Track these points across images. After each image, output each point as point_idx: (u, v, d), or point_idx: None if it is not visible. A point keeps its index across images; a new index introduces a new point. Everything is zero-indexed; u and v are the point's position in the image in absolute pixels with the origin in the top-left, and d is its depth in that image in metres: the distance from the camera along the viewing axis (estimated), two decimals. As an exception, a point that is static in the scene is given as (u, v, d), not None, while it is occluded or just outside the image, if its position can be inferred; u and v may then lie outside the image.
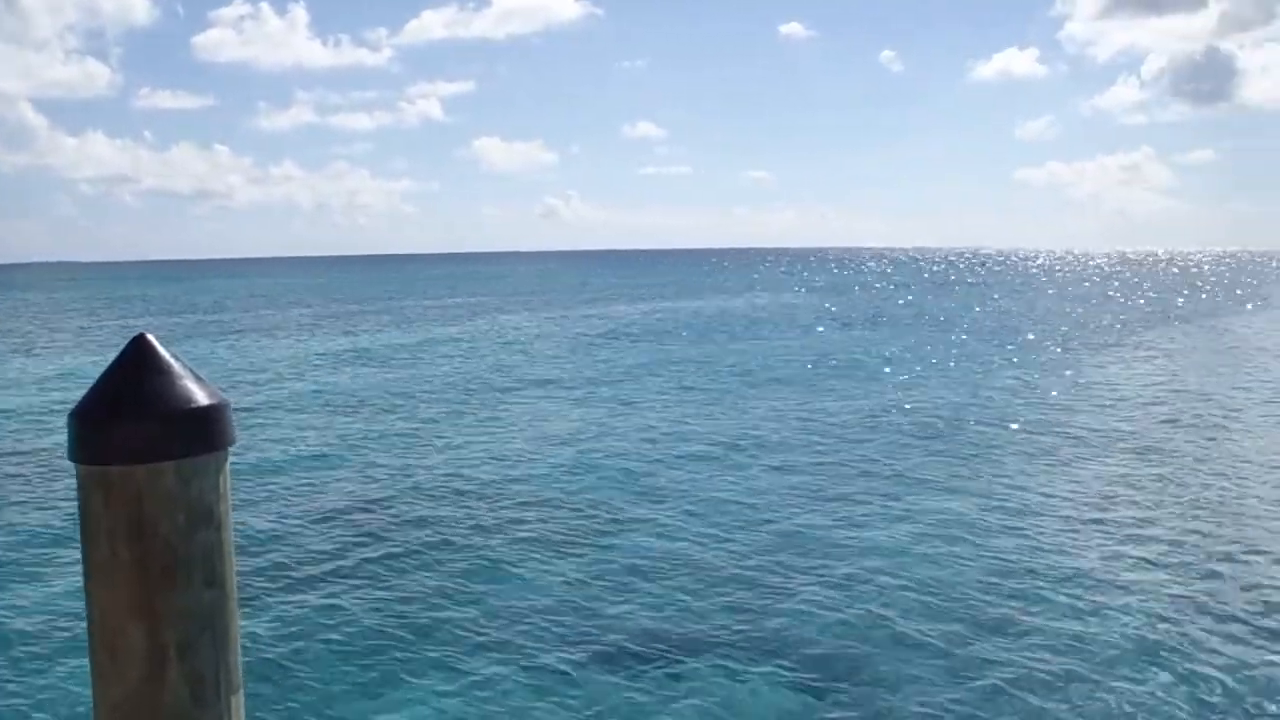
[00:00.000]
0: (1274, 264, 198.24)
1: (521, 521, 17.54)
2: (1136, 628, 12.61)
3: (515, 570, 14.97)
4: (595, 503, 18.73)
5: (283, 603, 13.70)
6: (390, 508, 18.62)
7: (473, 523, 17.53)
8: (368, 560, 15.48)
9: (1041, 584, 14.01)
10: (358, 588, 14.29)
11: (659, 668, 11.60)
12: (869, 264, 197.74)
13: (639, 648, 12.12)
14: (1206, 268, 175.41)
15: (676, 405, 29.44)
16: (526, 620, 12.99)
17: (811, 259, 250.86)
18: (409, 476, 20.89)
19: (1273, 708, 10.46)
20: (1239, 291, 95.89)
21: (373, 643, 12.39)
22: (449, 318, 67.25)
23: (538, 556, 15.61)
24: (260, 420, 27.49)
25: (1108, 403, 29.52)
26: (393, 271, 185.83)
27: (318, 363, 41.60)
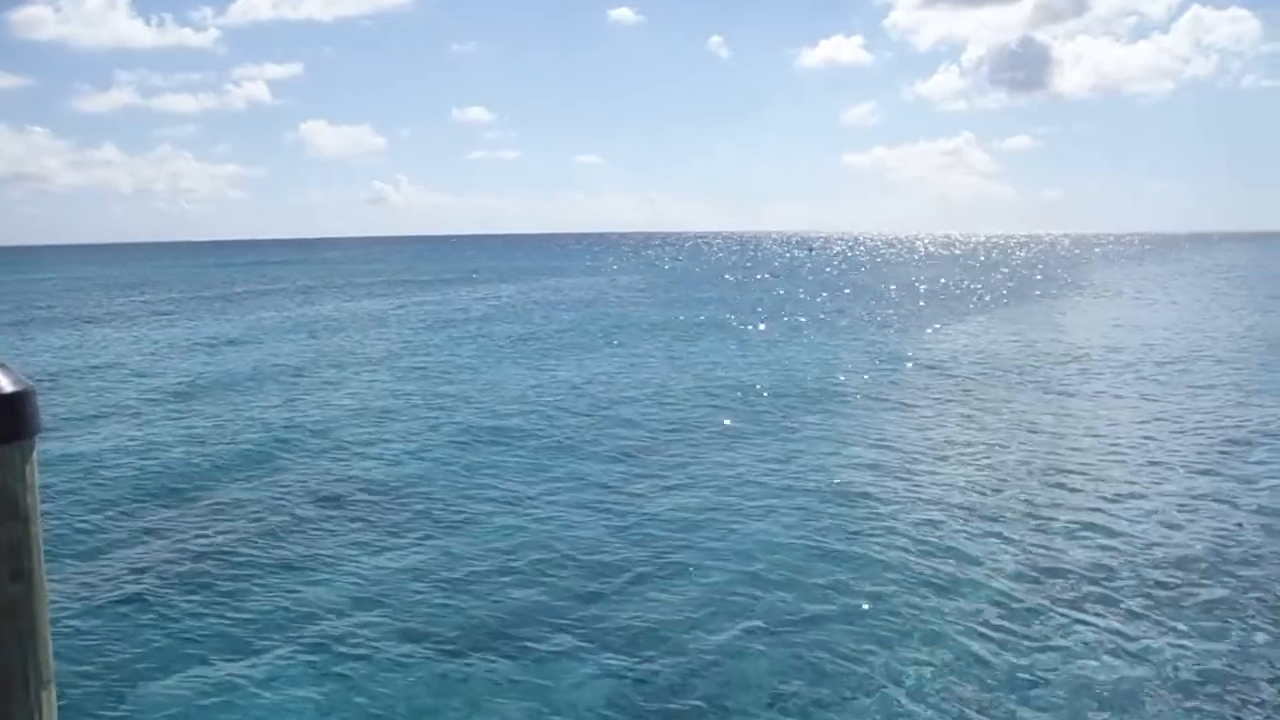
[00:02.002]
0: (1094, 248, 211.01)
1: (347, 512, 17.19)
2: (960, 590, 13.28)
3: (340, 562, 14.66)
4: (422, 491, 18.49)
5: (98, 595, 13.19)
6: (211, 498, 18.03)
7: (298, 513, 17.07)
8: (189, 553, 14.95)
9: (868, 553, 14.57)
10: (178, 579, 13.83)
11: (486, 656, 11.52)
12: (700, 247, 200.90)
13: (466, 637, 12.04)
14: (1023, 250, 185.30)
15: (502, 390, 29.34)
16: (351, 613, 12.75)
17: (643, 243, 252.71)
18: (231, 467, 20.20)
19: (1097, 669, 11.22)
20: (1048, 274, 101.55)
21: (197, 636, 12.03)
22: (276, 305, 64.95)
23: (364, 548, 15.33)
24: (73, 409, 26.26)
25: (925, 376, 30.96)
26: (219, 258, 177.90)
27: (133, 352, 39.64)
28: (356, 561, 14.70)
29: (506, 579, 13.90)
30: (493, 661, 11.42)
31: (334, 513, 17.16)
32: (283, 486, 18.80)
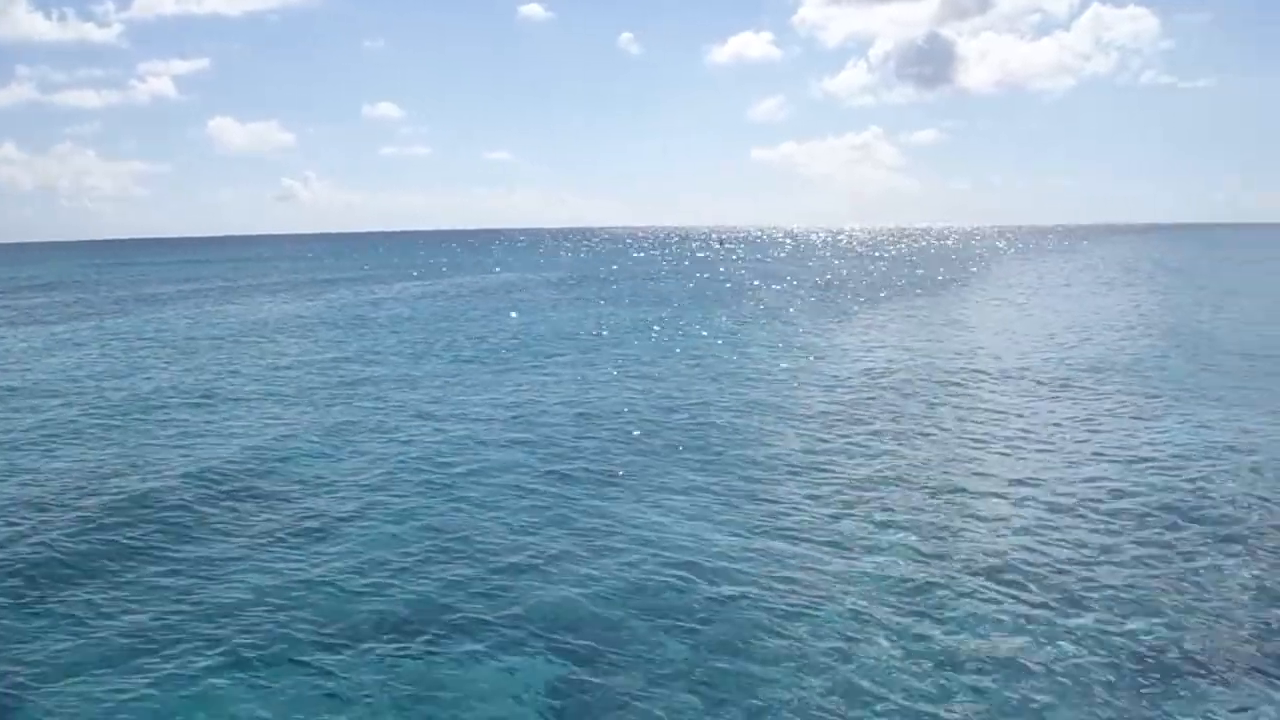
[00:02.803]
0: (1000, 240, 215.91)
1: (245, 514, 16.74)
2: (862, 580, 13.24)
3: (240, 563, 14.36)
4: (324, 492, 18.03)
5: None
6: (109, 499, 17.43)
7: (197, 514, 16.65)
8: (83, 553, 14.64)
9: (776, 554, 14.44)
10: (72, 581, 13.64)
11: (391, 655, 11.46)
12: (611, 243, 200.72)
13: (370, 636, 11.91)
14: (931, 242, 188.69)
15: (410, 389, 28.62)
16: (254, 615, 12.54)
17: (554, 239, 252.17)
18: (130, 469, 19.55)
19: (994, 666, 11.07)
20: (954, 268, 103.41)
21: (95, 639, 11.82)
22: (176, 305, 62.84)
23: (265, 549, 14.98)
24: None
25: (827, 371, 30.99)
26: (122, 257, 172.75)
27: (29, 353, 38.01)
28: (257, 562, 14.42)
29: (412, 577, 13.73)
30: (398, 659, 11.38)
31: (232, 514, 16.77)
32: (181, 488, 18.22)
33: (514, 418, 23.94)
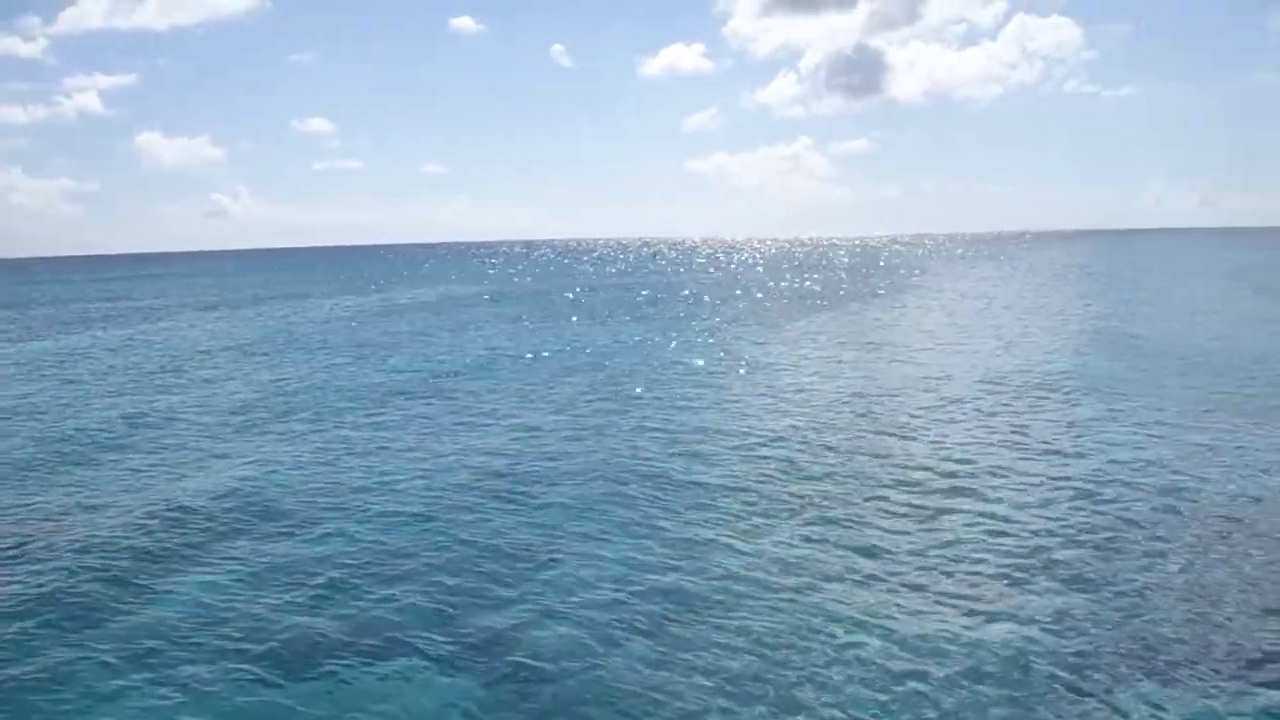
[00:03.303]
0: (930, 248, 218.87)
1: (178, 530, 16.66)
2: (798, 588, 13.43)
3: (173, 580, 14.35)
4: (254, 506, 17.98)
5: None
6: (36, 520, 17.41)
7: (129, 533, 16.51)
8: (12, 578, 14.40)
9: (715, 568, 14.52)
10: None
11: (327, 671, 11.51)
12: (546, 254, 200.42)
13: (308, 652, 11.95)
14: (862, 251, 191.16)
15: (343, 415, 28.35)
16: (189, 632, 12.56)
17: (488, 251, 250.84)
18: (59, 487, 19.53)
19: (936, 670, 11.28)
20: (886, 276, 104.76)
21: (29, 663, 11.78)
22: (106, 326, 61.49)
23: (199, 565, 14.99)
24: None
25: (761, 382, 31.30)
26: (52, 276, 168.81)
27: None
28: (190, 579, 14.40)
29: (349, 594, 13.75)
30: (331, 680, 11.38)
31: (164, 531, 16.67)
32: (111, 507, 18.13)
33: (452, 441, 23.84)
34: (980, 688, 10.73)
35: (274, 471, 20.81)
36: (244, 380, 34.14)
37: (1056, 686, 10.75)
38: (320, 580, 14.36)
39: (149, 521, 17.27)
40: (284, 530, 16.81)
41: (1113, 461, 19.83)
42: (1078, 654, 11.45)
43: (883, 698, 10.59)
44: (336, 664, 11.75)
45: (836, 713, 10.34)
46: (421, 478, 19.93)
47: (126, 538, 16.40)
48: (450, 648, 12.09)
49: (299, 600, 13.66)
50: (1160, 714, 10.18)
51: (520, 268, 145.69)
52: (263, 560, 15.26)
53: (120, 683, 11.34)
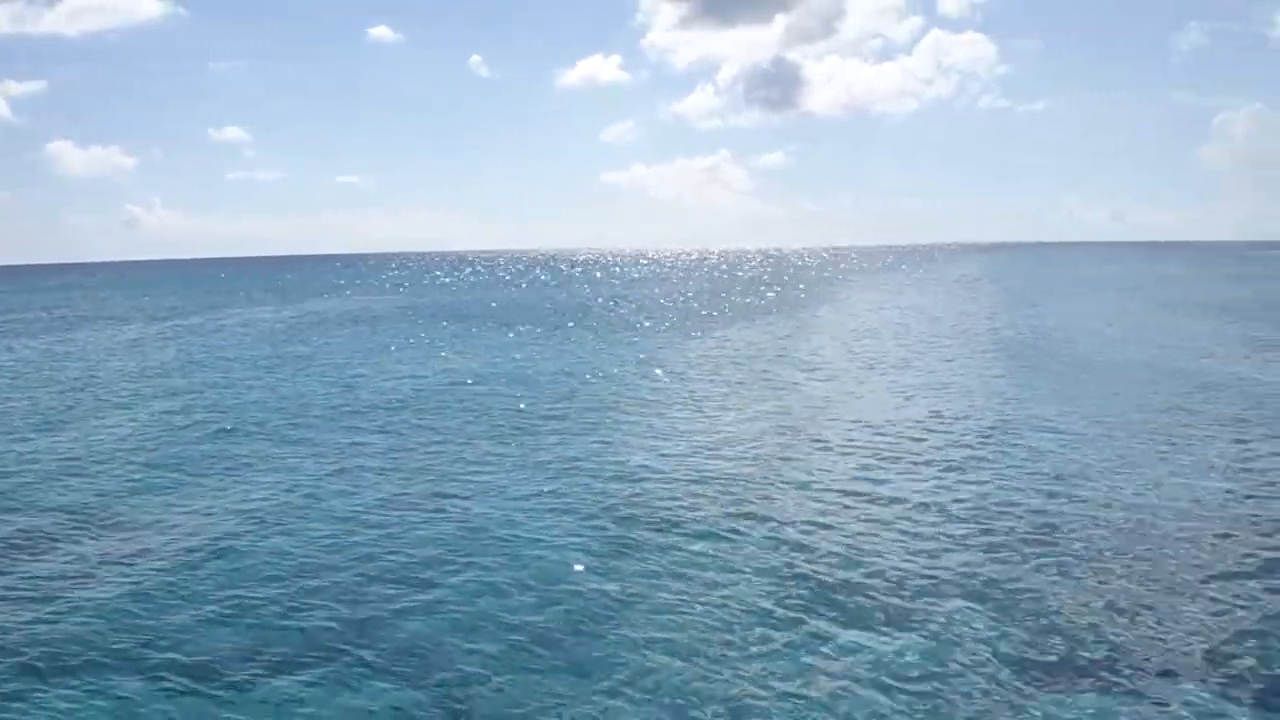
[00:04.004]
0: (847, 260, 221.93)
1: (82, 540, 16.48)
2: (704, 595, 13.51)
3: (72, 590, 14.13)
4: (163, 516, 17.76)
5: None
6: None
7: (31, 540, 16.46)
8: None
9: (632, 575, 14.67)
10: None
11: (235, 685, 11.39)
12: (462, 266, 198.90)
13: (221, 662, 11.90)
14: (778, 263, 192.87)
15: (259, 426, 27.82)
16: (93, 640, 12.46)
17: (407, 263, 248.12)
18: None
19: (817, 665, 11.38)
20: (803, 289, 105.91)
21: None
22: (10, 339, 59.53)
23: (107, 571, 14.90)
24: None
25: (679, 390, 31.46)
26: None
27: None
28: (110, 597, 14.13)
29: (256, 609, 13.60)
30: (244, 687, 11.36)
31: (69, 541, 16.53)
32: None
33: (358, 458, 23.57)
34: (885, 698, 10.90)
35: (178, 487, 20.37)
36: (161, 396, 33.34)
37: (963, 693, 10.97)
38: (227, 596, 14.15)
39: (53, 536, 16.82)
40: (192, 548, 16.51)
41: (1015, 468, 20.36)
42: (983, 660, 11.69)
43: (786, 706, 10.73)
44: (248, 675, 11.66)
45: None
46: (340, 495, 19.67)
47: (30, 546, 15.99)
48: (362, 656, 12.07)
49: (208, 615, 13.48)
50: (1061, 716, 10.46)
51: (432, 279, 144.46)
52: (166, 578, 14.95)
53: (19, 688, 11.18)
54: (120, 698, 11.12)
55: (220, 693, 11.23)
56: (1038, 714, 10.51)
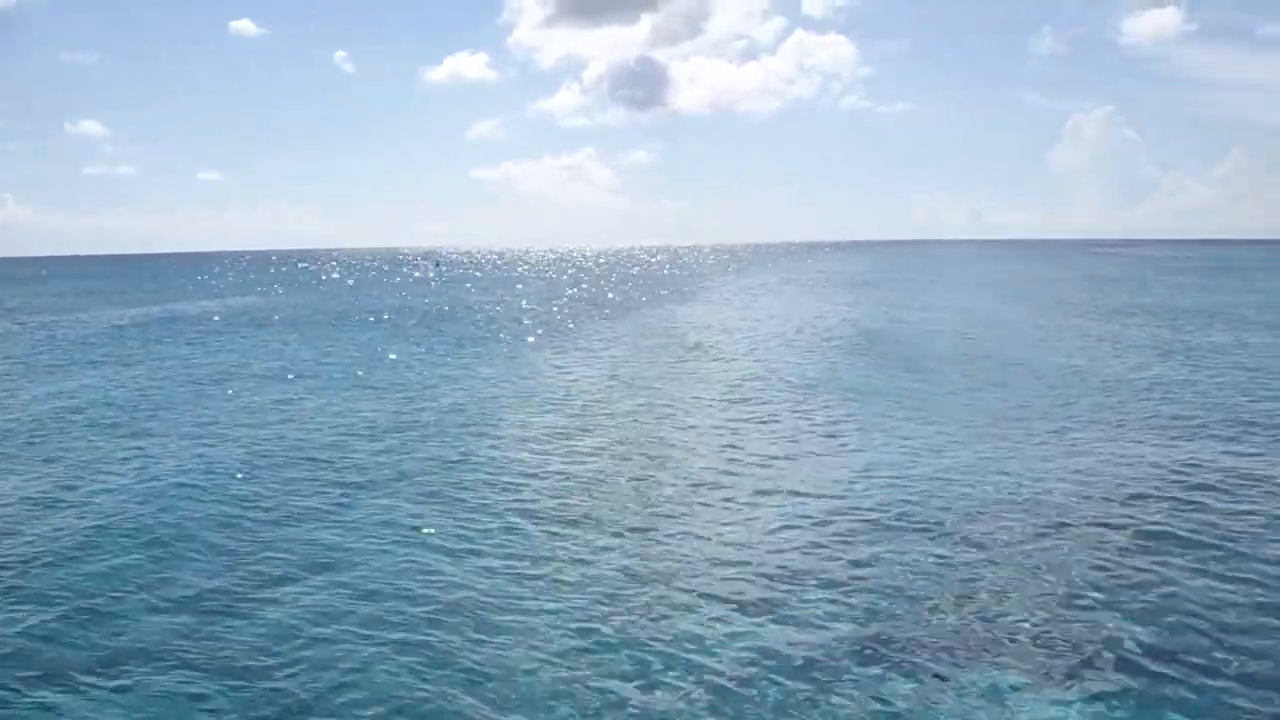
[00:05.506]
0: (712, 258, 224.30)
1: None
2: (556, 593, 13.52)
3: None
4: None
5: None
6: None
7: None
8: None
9: (489, 577, 14.54)
10: None
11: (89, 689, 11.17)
12: (329, 266, 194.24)
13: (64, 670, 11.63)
14: (645, 260, 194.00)
15: (100, 436, 26.64)
16: None
17: (269, 262, 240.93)
18: None
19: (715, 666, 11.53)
20: (666, 287, 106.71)
21: None
22: None
23: None
24: None
25: (539, 393, 31.37)
26: None
27: None
28: None
29: (90, 617, 13.25)
30: (82, 694, 11.15)
31: None
32: None
33: (206, 459, 22.85)
34: (751, 690, 11.14)
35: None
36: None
37: (822, 685, 11.27)
38: (62, 603, 13.74)
39: None
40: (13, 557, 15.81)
41: (877, 463, 21.01)
42: (847, 654, 11.98)
43: (646, 698, 10.92)
44: (84, 683, 11.42)
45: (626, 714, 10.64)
46: (183, 493, 19.05)
47: None
48: (203, 662, 11.92)
49: (44, 621, 13.17)
50: (906, 705, 10.86)
51: (298, 278, 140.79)
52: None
53: None
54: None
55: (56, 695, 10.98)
56: (883, 700, 10.88)
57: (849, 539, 16.10)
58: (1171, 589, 13.75)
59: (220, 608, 13.61)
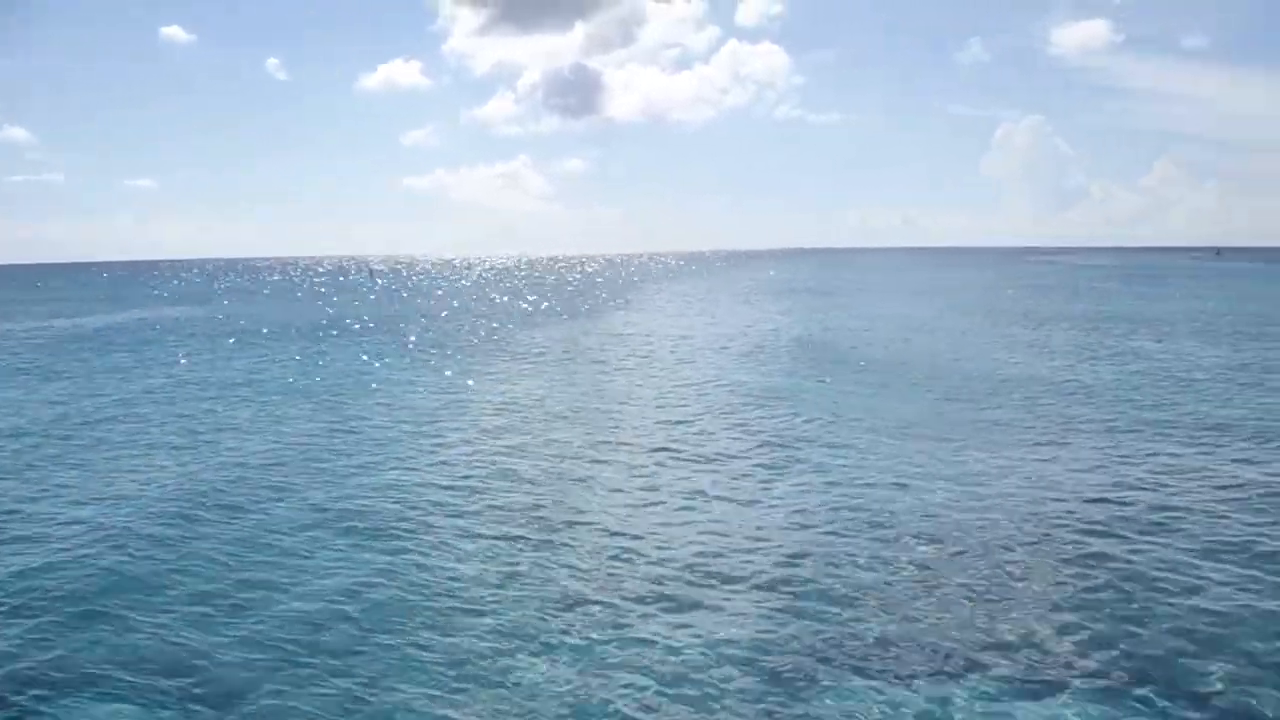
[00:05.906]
0: (648, 265, 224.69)
1: None
2: (487, 611, 13.47)
3: None
4: None
5: None
6: None
7: None
8: None
9: (425, 589, 14.48)
10: None
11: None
12: (260, 273, 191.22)
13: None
14: (579, 269, 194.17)
15: (52, 449, 26.01)
16: None
17: (201, 271, 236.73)
18: None
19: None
20: (601, 295, 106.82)
21: None
22: None
23: None
24: None
25: (472, 402, 31.26)
26: None
27: None
28: None
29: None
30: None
31: None
32: None
33: (137, 475, 22.46)
34: (715, 701, 11.22)
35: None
36: None
37: (768, 688, 11.42)
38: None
39: None
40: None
41: (819, 472, 21.28)
42: (788, 661, 12.11)
43: (575, 702, 10.98)
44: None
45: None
46: (120, 505, 18.70)
47: None
48: (146, 679, 11.82)
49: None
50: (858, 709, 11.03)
51: (230, 287, 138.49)
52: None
53: None
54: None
55: None
56: (824, 706, 11.04)
57: (784, 543, 16.31)
58: (1133, 587, 14.20)
59: (144, 639, 13.34)
